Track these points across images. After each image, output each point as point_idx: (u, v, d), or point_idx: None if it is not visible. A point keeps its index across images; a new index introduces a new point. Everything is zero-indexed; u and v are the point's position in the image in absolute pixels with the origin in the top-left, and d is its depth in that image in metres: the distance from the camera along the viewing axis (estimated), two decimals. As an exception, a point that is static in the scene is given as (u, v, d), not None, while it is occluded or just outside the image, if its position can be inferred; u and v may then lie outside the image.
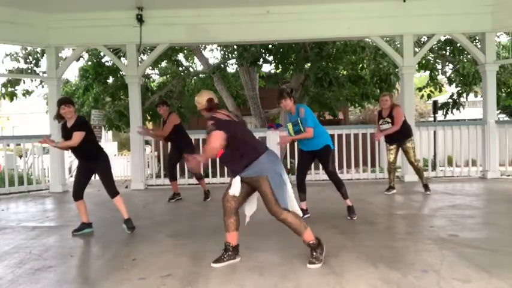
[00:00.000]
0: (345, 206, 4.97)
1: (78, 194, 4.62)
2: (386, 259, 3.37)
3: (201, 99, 3.48)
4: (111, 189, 4.58)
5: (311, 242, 3.31)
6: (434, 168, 8.29)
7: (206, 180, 7.71)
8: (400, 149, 6.40)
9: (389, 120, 6.24)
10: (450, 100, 11.80)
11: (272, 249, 3.66)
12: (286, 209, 3.27)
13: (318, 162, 5.13)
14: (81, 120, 4.48)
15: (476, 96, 12.07)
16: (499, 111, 13.14)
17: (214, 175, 8.11)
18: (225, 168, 8.01)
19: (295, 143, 6.21)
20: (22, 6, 7.31)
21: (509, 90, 11.93)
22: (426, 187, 6.38)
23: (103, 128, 12.64)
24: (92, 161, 4.57)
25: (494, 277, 2.94)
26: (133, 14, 7.55)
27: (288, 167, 8.40)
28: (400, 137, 6.27)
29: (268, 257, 3.50)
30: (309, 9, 7.62)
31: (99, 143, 4.80)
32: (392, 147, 6.41)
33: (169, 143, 6.70)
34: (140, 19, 7.57)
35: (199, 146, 7.93)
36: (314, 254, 3.29)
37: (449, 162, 8.86)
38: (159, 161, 12.52)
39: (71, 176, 12.93)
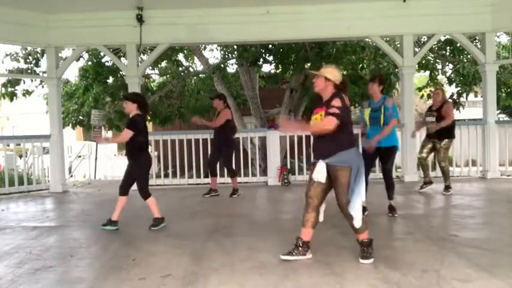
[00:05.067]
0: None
1: (121, 189, 4.72)
2: (386, 259, 3.37)
3: (338, 75, 3.43)
4: (142, 191, 4.67)
5: (365, 239, 3.38)
6: (434, 168, 8.28)
7: (206, 180, 7.72)
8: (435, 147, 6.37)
9: (435, 113, 6.26)
10: (450, 100, 11.78)
11: (272, 249, 3.66)
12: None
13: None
14: (134, 120, 4.59)
15: (476, 96, 12.07)
16: (499, 111, 13.13)
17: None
18: (225, 169, 8.00)
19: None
20: (22, 6, 7.30)
21: (509, 90, 11.94)
22: (447, 188, 6.33)
23: (103, 128, 12.63)
24: (131, 159, 4.68)
25: (494, 277, 2.94)
26: (133, 14, 7.54)
27: (288, 166, 8.38)
28: (441, 133, 6.24)
29: (268, 257, 3.50)
30: (309, 9, 7.61)
31: (146, 146, 4.81)
32: (427, 144, 6.39)
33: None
34: (140, 19, 7.56)
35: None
36: (366, 250, 3.36)
37: (449, 162, 8.84)
38: (159, 161, 12.52)
39: (71, 176, 12.94)
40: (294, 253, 3.42)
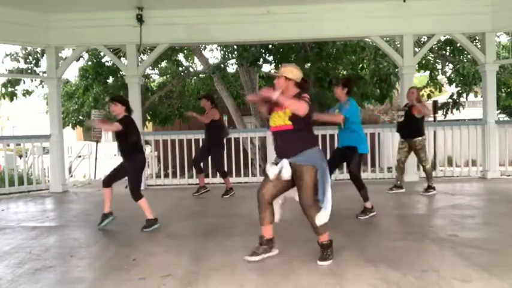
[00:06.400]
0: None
1: (106, 181, 4.76)
2: (386, 259, 3.37)
3: (299, 73, 3.43)
4: (133, 192, 4.66)
5: (325, 242, 3.36)
6: (434, 168, 8.28)
7: (206, 180, 7.72)
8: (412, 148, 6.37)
9: (406, 109, 6.32)
10: (450, 100, 11.81)
11: (272, 249, 3.66)
12: (319, 206, 3.29)
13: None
14: (127, 119, 4.71)
15: (476, 96, 12.09)
16: (499, 111, 13.14)
17: (214, 175, 8.11)
18: (225, 169, 7.99)
19: None
20: (22, 6, 7.30)
21: (509, 90, 11.95)
22: (429, 188, 6.33)
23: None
24: (125, 159, 4.71)
25: (494, 277, 2.94)
26: (133, 14, 7.55)
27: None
28: (410, 132, 6.26)
29: (268, 257, 3.50)
30: (309, 9, 7.61)
31: (140, 146, 4.81)
32: (403, 145, 6.42)
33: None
34: (140, 19, 7.56)
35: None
36: (325, 252, 3.35)
37: (449, 162, 8.84)
38: (159, 161, 12.53)
39: (71, 176, 12.95)
40: (259, 252, 3.43)
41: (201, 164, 6.89)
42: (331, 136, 7.59)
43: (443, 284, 2.84)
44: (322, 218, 3.28)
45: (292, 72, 3.40)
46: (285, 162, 3.30)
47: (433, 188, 6.33)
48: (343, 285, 2.91)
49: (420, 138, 6.25)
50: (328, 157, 5.07)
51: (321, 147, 3.60)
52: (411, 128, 6.24)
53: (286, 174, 3.28)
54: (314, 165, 3.26)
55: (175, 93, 13.85)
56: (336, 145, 6.19)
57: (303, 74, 3.53)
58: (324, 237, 3.36)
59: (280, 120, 3.35)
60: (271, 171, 3.32)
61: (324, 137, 7.53)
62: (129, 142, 4.66)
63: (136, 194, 4.65)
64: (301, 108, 3.20)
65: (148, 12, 7.59)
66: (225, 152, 7.86)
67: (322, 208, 3.28)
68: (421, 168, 6.74)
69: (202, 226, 4.81)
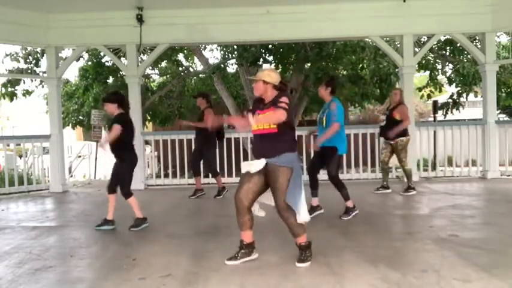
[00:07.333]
0: (345, 207, 5.00)
1: (109, 188, 4.76)
2: (386, 259, 3.37)
3: (277, 76, 3.44)
4: (123, 190, 4.69)
5: (303, 243, 3.37)
6: (434, 168, 8.28)
7: (206, 180, 7.73)
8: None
9: (387, 113, 6.31)
10: (450, 100, 11.81)
11: (272, 249, 3.67)
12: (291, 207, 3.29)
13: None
14: (119, 116, 4.62)
15: (476, 96, 12.09)
16: (499, 111, 13.15)
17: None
18: (225, 169, 8.00)
19: None
20: (22, 6, 7.30)
21: (509, 90, 11.96)
22: (409, 188, 6.33)
23: (103, 128, 12.65)
24: (117, 157, 4.70)
25: (494, 277, 2.94)
26: (133, 14, 7.55)
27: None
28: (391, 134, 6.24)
29: (268, 257, 3.50)
30: (309, 9, 7.60)
31: (132, 146, 4.76)
32: (386, 146, 6.41)
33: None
34: (140, 19, 7.56)
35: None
36: (304, 253, 3.35)
37: (449, 162, 8.84)
38: (159, 161, 12.53)
39: (71, 176, 12.95)
40: (238, 256, 3.42)
41: (199, 166, 6.88)
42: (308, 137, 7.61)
43: (443, 284, 2.84)
44: (301, 217, 3.30)
45: (270, 75, 3.41)
46: (258, 160, 3.30)
47: (413, 189, 6.33)
48: (343, 285, 2.91)
49: (401, 138, 6.21)
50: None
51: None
52: (392, 129, 6.19)
53: (254, 169, 3.30)
54: (291, 167, 3.27)
55: (175, 93, 13.85)
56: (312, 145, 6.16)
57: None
58: (302, 238, 3.36)
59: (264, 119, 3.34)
60: (256, 165, 3.29)
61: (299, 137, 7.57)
62: (122, 141, 4.60)
63: (126, 192, 4.68)
64: (280, 117, 3.21)
65: (148, 12, 7.59)
66: (225, 152, 7.88)
67: (296, 212, 3.28)
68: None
69: (202, 226, 4.80)
